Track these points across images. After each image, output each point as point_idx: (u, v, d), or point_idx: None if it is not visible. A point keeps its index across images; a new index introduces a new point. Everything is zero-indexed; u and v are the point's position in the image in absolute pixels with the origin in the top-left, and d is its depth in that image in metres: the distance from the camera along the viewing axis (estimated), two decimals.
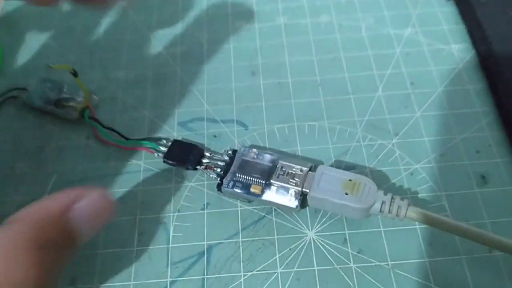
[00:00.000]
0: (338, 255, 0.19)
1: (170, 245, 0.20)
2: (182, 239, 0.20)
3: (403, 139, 0.22)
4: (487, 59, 0.24)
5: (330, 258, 0.19)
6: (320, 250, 0.19)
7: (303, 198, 0.19)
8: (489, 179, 0.21)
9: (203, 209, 0.20)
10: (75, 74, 0.22)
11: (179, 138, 0.22)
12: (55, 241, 0.15)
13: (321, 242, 0.19)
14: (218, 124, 0.23)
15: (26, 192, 0.21)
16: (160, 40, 0.27)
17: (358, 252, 0.19)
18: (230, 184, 0.20)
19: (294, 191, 0.19)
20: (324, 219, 0.20)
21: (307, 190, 0.19)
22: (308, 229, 0.20)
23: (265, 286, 0.18)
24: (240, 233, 0.20)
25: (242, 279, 0.19)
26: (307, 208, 0.20)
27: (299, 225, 0.20)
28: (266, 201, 0.19)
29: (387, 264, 0.19)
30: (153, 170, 0.22)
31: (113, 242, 0.20)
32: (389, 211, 0.18)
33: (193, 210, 0.21)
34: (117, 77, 0.25)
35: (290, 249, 0.19)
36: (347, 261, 0.19)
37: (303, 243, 0.19)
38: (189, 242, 0.20)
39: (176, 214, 0.20)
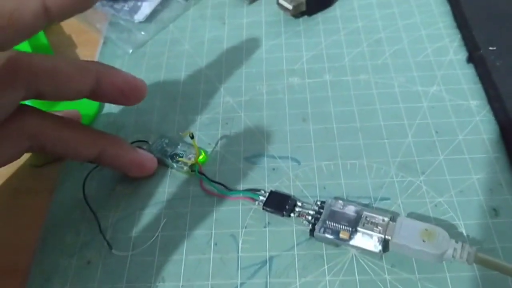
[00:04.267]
0: (375, 268, 0.24)
1: (239, 254, 0.25)
2: (249, 249, 0.25)
3: (429, 177, 0.27)
4: (500, 113, 0.29)
5: (368, 270, 0.24)
6: (360, 264, 0.24)
7: (385, 244, 0.23)
8: (500, 212, 0.25)
9: (265, 227, 0.26)
10: (192, 137, 0.27)
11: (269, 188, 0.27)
12: None
13: (362, 258, 0.24)
14: (275, 160, 0.28)
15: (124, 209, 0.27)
16: (228, 90, 0.33)
17: (391, 266, 0.24)
18: (322, 230, 0.24)
19: (378, 237, 0.23)
20: None
21: (390, 237, 0.23)
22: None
23: None
24: (295, 247, 0.25)
25: (297, 284, 0.23)
26: None
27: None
28: (353, 245, 0.24)
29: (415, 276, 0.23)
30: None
31: (194, 249, 0.25)
32: (460, 257, 0.22)
33: (257, 227, 0.26)
34: (194, 119, 0.31)
35: (336, 261, 0.24)
36: (383, 273, 0.23)
37: (346, 258, 0.24)
38: (254, 252, 0.25)
39: (243, 229, 0.26)
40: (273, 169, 0.28)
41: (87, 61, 0.25)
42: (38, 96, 0.23)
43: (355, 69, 0.33)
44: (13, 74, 0.22)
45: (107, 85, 0.25)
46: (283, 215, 0.26)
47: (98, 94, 0.25)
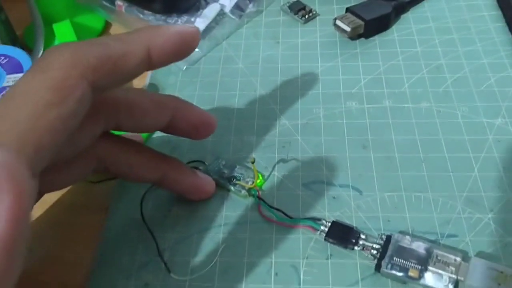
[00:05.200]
0: None
1: (302, 286, 0.24)
2: (311, 282, 0.24)
3: (497, 214, 0.26)
4: None
5: None
6: None
7: (456, 286, 0.22)
8: None
9: (327, 259, 0.25)
10: (253, 162, 0.27)
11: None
12: None
13: None
14: (336, 187, 0.28)
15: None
16: (284, 112, 0.32)
17: None
18: (389, 266, 0.23)
19: (449, 278, 0.22)
20: None
21: (462, 278, 0.22)
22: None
23: None
24: (359, 282, 0.24)
25: None
26: None
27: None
28: (422, 284, 0.23)
29: None
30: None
31: (254, 278, 0.24)
32: None
33: (319, 259, 0.25)
34: (249, 141, 0.30)
35: None
36: None
37: None
38: (317, 285, 0.24)
39: (305, 260, 0.25)
40: (334, 197, 0.27)
41: (166, 96, 0.26)
42: (116, 128, 0.24)
43: (415, 96, 0.32)
44: (98, 108, 0.22)
45: (182, 121, 0.25)
46: (346, 247, 0.25)
47: (172, 128, 0.25)
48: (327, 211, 0.27)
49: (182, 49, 0.22)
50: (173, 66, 0.35)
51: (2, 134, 0.16)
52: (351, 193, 0.27)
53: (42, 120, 0.17)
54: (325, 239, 0.25)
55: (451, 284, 0.22)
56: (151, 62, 0.21)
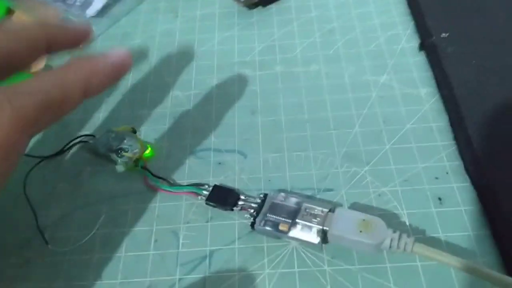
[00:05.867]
0: (315, 259, 0.23)
1: (180, 250, 0.24)
2: (189, 245, 0.24)
3: (374, 167, 0.26)
4: (449, 101, 0.29)
5: (308, 262, 0.23)
6: (300, 256, 0.24)
7: (324, 236, 0.23)
8: (444, 201, 0.25)
9: (207, 222, 0.25)
10: (134, 131, 0.26)
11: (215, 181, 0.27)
12: None
13: (302, 250, 0.24)
14: (222, 153, 0.28)
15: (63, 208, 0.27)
16: (177, 84, 0.32)
17: (332, 258, 0.23)
18: (262, 223, 0.24)
19: (317, 229, 0.23)
20: None
21: (327, 228, 0.23)
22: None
23: (254, 284, 0.23)
24: (236, 241, 0.24)
25: (236, 278, 0.23)
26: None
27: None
28: (292, 237, 0.23)
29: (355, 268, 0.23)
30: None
31: (134, 247, 0.25)
32: (398, 247, 0.22)
33: (199, 222, 0.25)
34: (141, 114, 0.30)
35: (276, 254, 0.24)
36: (322, 265, 0.23)
37: (287, 250, 0.24)
38: (195, 248, 0.24)
39: (185, 225, 0.25)
40: (219, 163, 0.28)
41: (35, 30, 0.23)
42: None
43: (306, 60, 0.32)
44: None
45: (60, 45, 0.24)
46: (226, 209, 0.25)
47: (53, 50, 0.24)
48: (212, 177, 0.27)
49: (116, 78, 0.23)
50: None
51: None
52: (236, 157, 0.28)
53: None
54: (206, 203, 0.26)
55: (318, 234, 0.23)
56: (87, 95, 0.21)
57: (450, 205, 0.25)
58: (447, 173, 0.26)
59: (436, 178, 0.26)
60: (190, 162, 0.28)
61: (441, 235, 0.24)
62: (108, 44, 0.35)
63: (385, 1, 0.35)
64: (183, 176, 0.27)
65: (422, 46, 0.32)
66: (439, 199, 0.25)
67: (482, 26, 0.32)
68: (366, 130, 0.28)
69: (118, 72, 0.22)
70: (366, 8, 0.35)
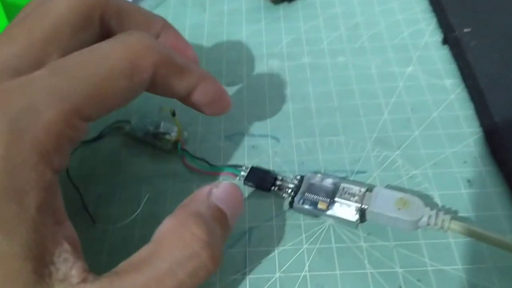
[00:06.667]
0: (352, 236, 0.24)
1: None
2: None
3: (404, 151, 0.27)
4: (474, 91, 0.30)
5: (345, 238, 0.24)
6: (337, 233, 0.24)
7: (362, 214, 0.24)
8: (473, 183, 0.26)
9: (245, 200, 0.26)
10: (174, 114, 0.27)
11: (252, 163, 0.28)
12: (206, 213, 0.20)
13: (338, 227, 0.25)
14: (255, 137, 0.29)
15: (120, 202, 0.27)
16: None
17: (368, 234, 0.24)
18: (300, 202, 0.25)
19: (355, 207, 0.24)
20: None
21: (366, 206, 0.24)
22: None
23: (293, 259, 0.24)
24: (274, 218, 0.25)
25: (276, 252, 0.24)
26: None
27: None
28: (331, 215, 0.24)
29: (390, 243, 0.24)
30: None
31: None
32: (435, 224, 0.23)
33: None
34: (175, 100, 0.31)
35: (313, 231, 0.25)
36: (359, 241, 0.24)
37: (324, 227, 0.25)
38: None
39: None
40: (253, 146, 0.29)
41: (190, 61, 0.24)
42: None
43: (333, 52, 0.33)
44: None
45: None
46: (263, 189, 0.26)
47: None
48: (247, 159, 0.28)
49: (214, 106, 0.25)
50: None
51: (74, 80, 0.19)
52: (269, 141, 0.29)
53: (112, 86, 0.19)
54: (244, 183, 0.26)
55: (357, 212, 0.24)
56: (188, 100, 0.24)
57: (479, 187, 0.26)
58: (475, 157, 0.27)
59: (465, 162, 0.27)
60: (224, 146, 0.29)
61: (472, 214, 0.25)
62: None
63: None
64: (218, 159, 0.28)
65: (446, 40, 0.33)
66: (468, 181, 0.26)
67: (502, 21, 0.33)
68: (394, 118, 0.29)
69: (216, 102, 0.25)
70: (389, 5, 0.36)
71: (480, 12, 0.34)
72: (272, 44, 0.34)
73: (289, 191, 0.26)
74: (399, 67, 0.32)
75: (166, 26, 0.25)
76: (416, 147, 0.28)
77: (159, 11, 0.38)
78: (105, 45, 0.20)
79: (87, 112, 0.19)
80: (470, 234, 0.23)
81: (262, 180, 0.26)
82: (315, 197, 0.25)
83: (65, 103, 0.18)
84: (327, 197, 0.25)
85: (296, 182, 0.26)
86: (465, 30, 0.33)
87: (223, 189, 0.21)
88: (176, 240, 0.19)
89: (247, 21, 0.36)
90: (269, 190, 0.26)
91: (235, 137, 0.29)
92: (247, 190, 0.26)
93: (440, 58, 0.32)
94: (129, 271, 0.18)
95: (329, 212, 0.24)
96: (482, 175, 0.26)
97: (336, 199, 0.24)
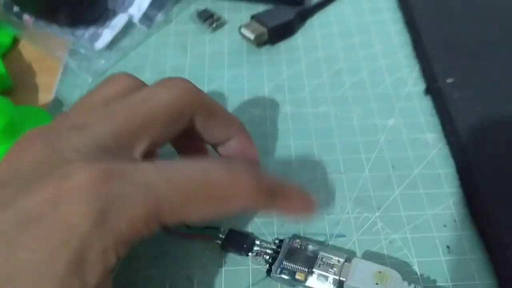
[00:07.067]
0: None
1: None
2: None
3: (384, 213, 0.27)
4: (455, 148, 0.30)
5: None
6: None
7: (340, 286, 0.23)
8: (452, 249, 0.26)
9: (221, 267, 0.25)
10: None
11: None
12: None
13: None
14: None
15: None
16: None
17: None
18: (278, 271, 0.24)
19: (333, 279, 0.23)
20: None
21: (344, 279, 0.23)
22: None
23: None
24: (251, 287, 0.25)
25: None
26: None
27: None
28: (308, 287, 0.24)
29: None
30: None
31: None
32: None
33: (214, 267, 0.25)
34: None
35: None
36: None
37: None
38: None
39: (199, 270, 0.25)
40: None
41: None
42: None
43: (315, 101, 0.33)
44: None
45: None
46: (241, 254, 0.26)
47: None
48: (225, 219, 0.27)
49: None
50: (78, 78, 0.35)
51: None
52: None
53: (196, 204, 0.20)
54: (221, 248, 0.26)
55: (335, 285, 0.23)
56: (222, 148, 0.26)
57: (458, 253, 0.25)
58: (454, 220, 0.27)
59: (444, 225, 0.26)
60: None
61: (449, 284, 0.24)
62: None
63: (390, 43, 0.37)
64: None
65: (428, 90, 0.33)
66: (448, 247, 0.26)
67: (487, 72, 0.33)
68: (375, 175, 0.29)
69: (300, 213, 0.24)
70: (373, 50, 0.36)
71: (464, 60, 0.34)
72: (254, 91, 0.34)
73: (267, 257, 0.25)
74: (381, 119, 0.32)
75: (241, 129, 0.26)
76: (396, 208, 0.27)
77: (140, 51, 0.37)
78: (214, 167, 0.21)
79: (166, 218, 0.19)
80: None
81: (240, 245, 0.26)
82: (294, 266, 0.24)
83: (156, 202, 0.19)
84: (305, 266, 0.24)
85: (274, 247, 0.25)
86: (448, 80, 0.33)
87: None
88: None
89: (229, 65, 0.36)
90: (247, 255, 0.26)
91: None
92: (224, 255, 0.26)
93: (422, 110, 0.32)
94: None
95: (307, 284, 0.24)
96: (461, 240, 0.26)
97: (314, 270, 0.24)
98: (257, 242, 0.26)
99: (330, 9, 0.39)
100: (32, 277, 0.17)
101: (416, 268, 0.25)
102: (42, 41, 0.37)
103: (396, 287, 0.23)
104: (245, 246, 0.26)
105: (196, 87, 0.24)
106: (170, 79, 0.24)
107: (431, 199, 0.27)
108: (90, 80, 0.35)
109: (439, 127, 0.31)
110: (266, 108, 0.33)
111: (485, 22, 0.36)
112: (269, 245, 0.26)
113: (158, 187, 0.19)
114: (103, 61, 0.36)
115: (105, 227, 0.17)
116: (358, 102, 0.33)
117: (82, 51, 0.36)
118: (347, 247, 0.26)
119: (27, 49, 0.38)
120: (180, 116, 0.23)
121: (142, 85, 0.24)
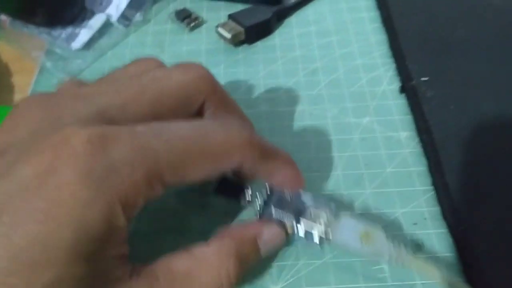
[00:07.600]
0: None
1: None
2: None
3: (354, 212, 0.27)
4: (428, 146, 0.30)
5: None
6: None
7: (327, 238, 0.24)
8: (422, 247, 0.26)
9: None
10: None
11: None
12: (248, 256, 0.22)
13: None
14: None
15: None
16: None
17: None
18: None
19: (319, 237, 0.24)
20: (287, 276, 0.25)
21: (330, 238, 0.24)
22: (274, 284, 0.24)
23: None
24: None
25: None
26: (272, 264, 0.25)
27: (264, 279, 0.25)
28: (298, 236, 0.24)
29: None
30: None
31: None
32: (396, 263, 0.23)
33: None
34: None
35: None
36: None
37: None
38: None
39: None
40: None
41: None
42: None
43: (291, 99, 0.33)
44: None
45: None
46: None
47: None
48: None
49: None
50: (54, 78, 0.35)
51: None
52: None
53: (202, 163, 0.20)
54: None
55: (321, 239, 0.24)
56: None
57: (428, 252, 0.25)
58: (425, 219, 0.27)
59: (415, 224, 0.27)
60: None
61: (417, 282, 0.24)
62: (94, 78, 0.35)
63: (367, 42, 0.37)
64: None
65: (403, 89, 0.33)
66: (417, 245, 0.26)
67: (461, 71, 0.33)
68: (348, 173, 0.29)
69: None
70: (349, 48, 0.36)
71: (439, 59, 0.34)
72: (230, 90, 0.33)
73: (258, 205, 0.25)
74: (356, 118, 0.32)
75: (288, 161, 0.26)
76: (367, 207, 0.27)
77: (117, 51, 0.37)
78: (208, 126, 0.21)
79: (168, 179, 0.19)
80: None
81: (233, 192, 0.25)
82: (281, 213, 0.24)
83: (156, 164, 0.19)
84: (292, 216, 0.24)
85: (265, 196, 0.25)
86: (423, 79, 0.33)
87: (272, 235, 0.23)
88: (212, 270, 0.20)
89: (206, 64, 0.35)
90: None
91: (188, 194, 0.29)
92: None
93: (397, 108, 0.32)
94: (169, 281, 0.20)
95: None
96: (430, 238, 0.26)
97: (301, 220, 0.24)
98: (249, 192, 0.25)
99: (308, 8, 0.39)
100: (42, 248, 0.16)
101: (384, 266, 0.25)
102: (18, 42, 0.37)
103: (381, 246, 0.23)
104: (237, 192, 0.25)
105: (212, 76, 0.24)
106: (187, 63, 0.24)
107: (402, 197, 0.28)
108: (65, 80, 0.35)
109: (413, 126, 0.31)
110: (241, 107, 0.33)
111: (460, 21, 0.36)
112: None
113: (157, 148, 0.19)
114: (79, 61, 0.36)
115: (107, 192, 0.17)
116: (333, 101, 0.33)
117: (58, 51, 0.36)
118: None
119: (3, 49, 0.38)
120: (189, 99, 0.23)
121: (161, 66, 0.24)
